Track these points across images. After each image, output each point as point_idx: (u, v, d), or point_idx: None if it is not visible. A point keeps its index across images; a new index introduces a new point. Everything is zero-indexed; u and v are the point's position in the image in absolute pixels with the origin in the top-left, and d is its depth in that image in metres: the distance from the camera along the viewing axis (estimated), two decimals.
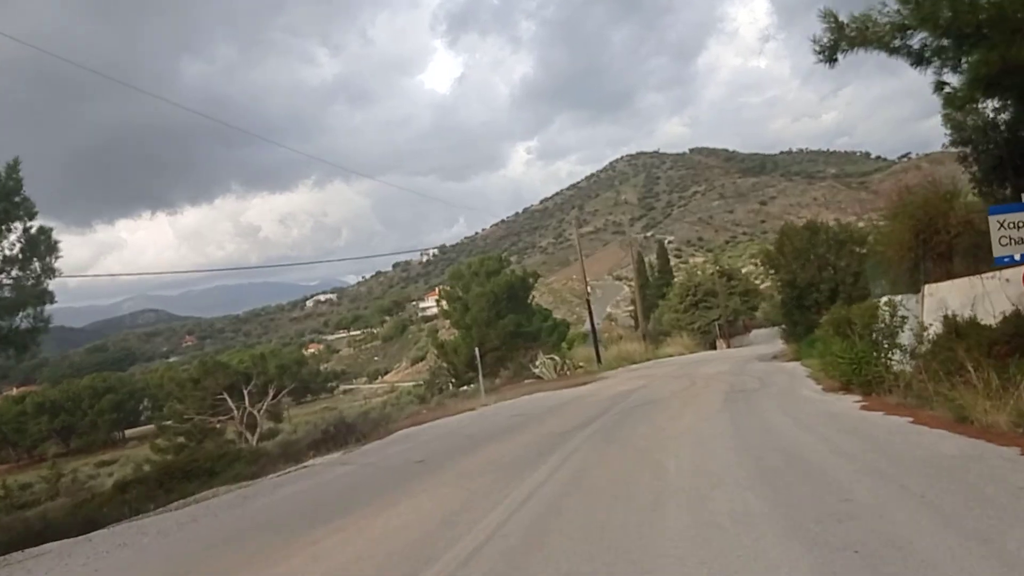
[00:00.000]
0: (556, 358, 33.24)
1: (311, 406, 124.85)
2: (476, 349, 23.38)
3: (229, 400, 61.68)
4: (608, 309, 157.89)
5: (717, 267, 71.26)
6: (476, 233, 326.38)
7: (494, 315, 57.67)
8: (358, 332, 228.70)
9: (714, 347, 62.53)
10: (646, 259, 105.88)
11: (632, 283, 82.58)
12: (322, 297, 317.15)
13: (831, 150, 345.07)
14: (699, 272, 76.58)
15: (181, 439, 63.19)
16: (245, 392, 61.55)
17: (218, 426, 63.17)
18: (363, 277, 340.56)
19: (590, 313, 35.70)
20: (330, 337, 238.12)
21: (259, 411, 61.03)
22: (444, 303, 62.54)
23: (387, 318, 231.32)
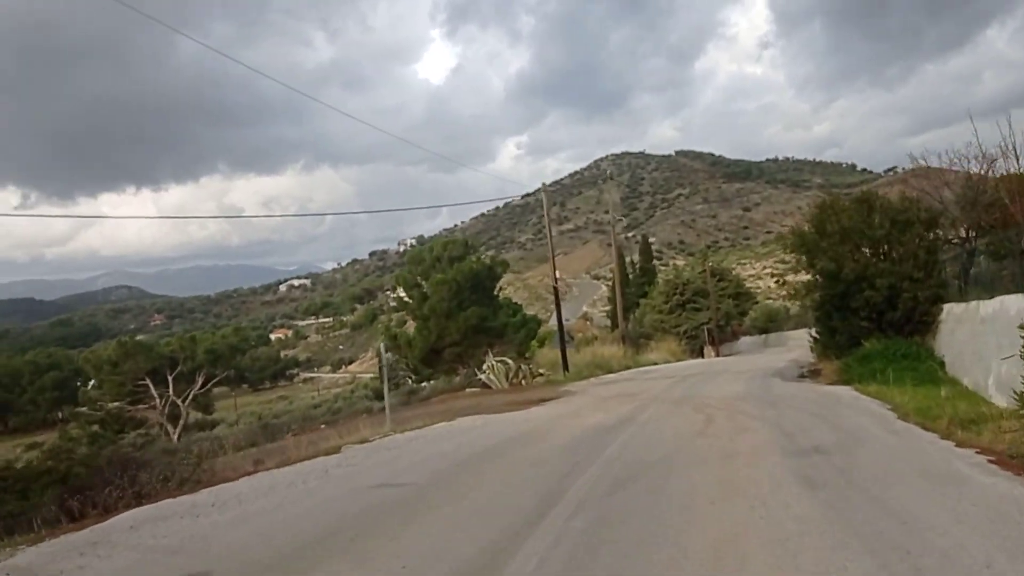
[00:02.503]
0: (509, 362, 26.00)
1: (268, 394, 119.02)
2: (383, 349, 15.82)
3: (152, 387, 54.52)
4: (584, 308, 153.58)
5: (708, 263, 64.19)
6: (455, 225, 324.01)
7: (455, 306, 51.04)
8: (328, 319, 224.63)
9: (702, 354, 55.65)
10: (627, 258, 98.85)
11: (611, 281, 75.58)
12: (296, 282, 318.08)
13: (817, 160, 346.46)
14: (688, 269, 69.52)
15: (96, 427, 56.16)
16: (169, 379, 54.53)
17: (138, 415, 56.23)
18: (339, 264, 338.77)
19: (557, 306, 28.39)
20: (300, 323, 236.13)
21: (184, 401, 54.00)
22: (401, 290, 55.52)
23: (357, 306, 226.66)
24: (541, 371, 26.37)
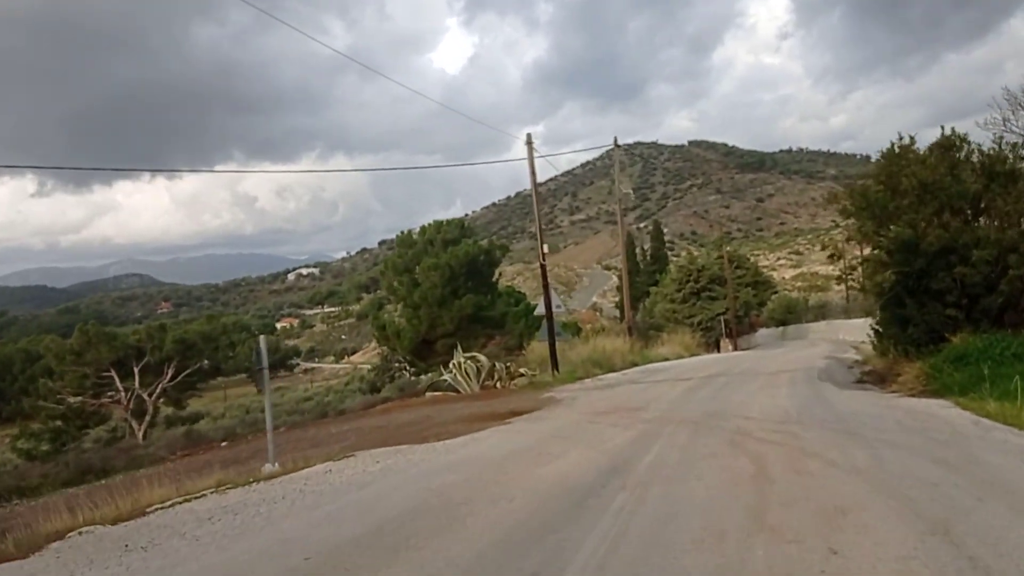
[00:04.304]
0: (482, 359, 20.88)
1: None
2: (262, 344, 10.63)
3: (117, 380, 49.99)
4: (594, 298, 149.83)
5: (726, 249, 58.89)
6: (466, 215, 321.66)
7: (449, 293, 46.44)
8: (334, 309, 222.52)
9: (718, 348, 50.57)
10: (638, 248, 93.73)
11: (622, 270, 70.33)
12: (305, 271, 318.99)
13: (832, 151, 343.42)
14: (704, 254, 64.31)
15: (59, 423, 51.74)
16: (135, 370, 50.02)
17: (102, 410, 51.75)
18: (348, 253, 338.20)
19: (545, 288, 23.18)
20: (307, 312, 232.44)
21: (150, 395, 49.42)
22: (390, 275, 50.70)
23: (364, 295, 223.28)
24: (523, 370, 21.32)
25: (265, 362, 10.44)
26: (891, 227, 14.33)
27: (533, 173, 21.81)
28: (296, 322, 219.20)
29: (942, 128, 15.60)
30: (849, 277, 16.56)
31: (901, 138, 15.31)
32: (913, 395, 12.69)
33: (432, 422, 13.84)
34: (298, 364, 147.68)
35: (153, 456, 20.37)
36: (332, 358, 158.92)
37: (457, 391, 20.22)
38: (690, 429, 10.20)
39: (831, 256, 16.12)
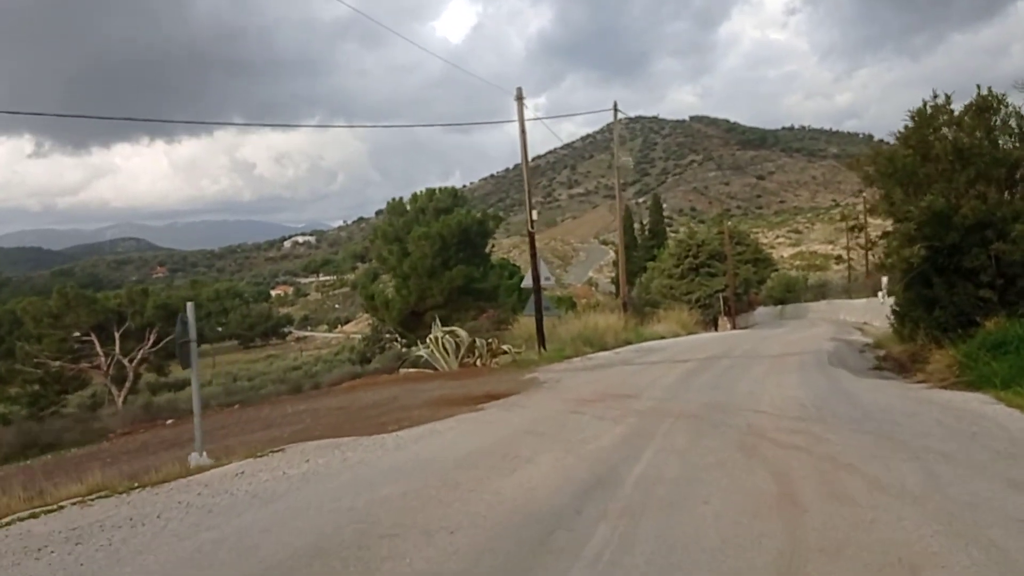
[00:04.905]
0: (462, 334, 19.13)
1: (258, 352, 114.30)
2: (190, 311, 8.68)
3: (97, 344, 48.74)
4: (590, 273, 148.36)
5: (727, 224, 57.14)
6: (464, 186, 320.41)
7: (440, 264, 44.94)
8: (329, 277, 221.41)
9: (715, 326, 48.99)
10: (636, 223, 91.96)
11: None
12: (301, 239, 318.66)
13: (834, 129, 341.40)
14: (704, 229, 62.54)
15: (37, 387, 50.68)
16: (116, 336, 48.78)
17: (81, 375, 50.52)
18: (345, 222, 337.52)
19: (533, 257, 21.29)
20: (303, 280, 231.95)
21: (131, 360, 48.08)
22: (380, 244, 49.01)
23: (359, 264, 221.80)
24: (506, 348, 19.58)
25: (193, 334, 8.73)
26: (923, 196, 12.61)
27: (523, 132, 20.05)
28: (291, 290, 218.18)
29: (978, 87, 13.89)
30: (869, 251, 14.61)
31: (935, 96, 13.57)
32: (944, 387, 11.07)
33: (396, 405, 12.18)
34: (290, 332, 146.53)
35: (105, 430, 18.86)
36: (325, 327, 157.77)
37: (434, 368, 18.58)
38: (690, 426, 8.54)
39: (851, 228, 14.50)
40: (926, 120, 13.53)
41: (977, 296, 12.66)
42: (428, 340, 19.49)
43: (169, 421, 15.32)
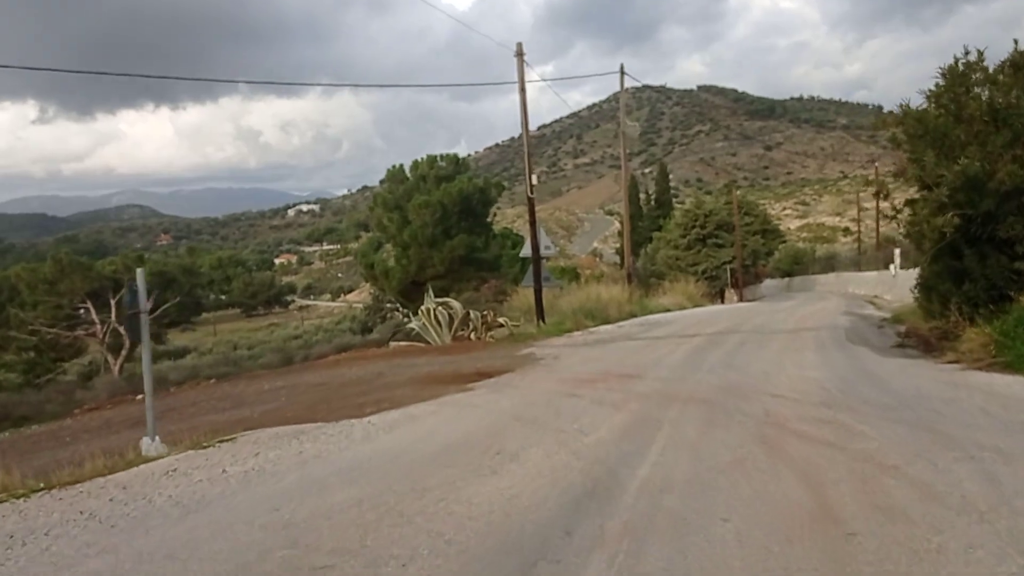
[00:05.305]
0: (455, 305, 18.02)
1: (260, 321, 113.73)
2: (140, 277, 7.65)
3: (93, 311, 48.01)
4: (595, 244, 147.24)
5: (735, 193, 55.90)
6: (469, 155, 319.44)
7: (440, 233, 43.92)
8: (333, 246, 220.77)
9: (722, 298, 47.98)
10: (642, 193, 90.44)
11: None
12: (305, 207, 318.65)
13: (843, 100, 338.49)
14: (712, 199, 61.31)
15: (32, 355, 50.07)
16: (112, 303, 48.05)
17: (77, 342, 49.89)
18: (349, 191, 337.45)
19: (532, 224, 20.00)
20: (306, 249, 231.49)
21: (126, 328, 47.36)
22: (380, 211, 47.87)
23: (362, 233, 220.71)
24: (502, 320, 18.49)
25: (144, 303, 7.68)
26: (957, 161, 11.48)
27: (523, 91, 18.85)
28: (294, 258, 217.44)
29: (1015, 42, 12.70)
30: (894, 219, 13.40)
31: (967, 52, 12.42)
32: (980, 368, 10.05)
33: (379, 383, 11.19)
34: (293, 301, 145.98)
35: (80, 402, 17.96)
36: (328, 296, 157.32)
37: (426, 342, 17.55)
38: (702, 414, 7.52)
39: (876, 193, 13.47)
40: (958, 78, 12.38)
41: (1011, 269, 11.59)
42: (420, 311, 18.48)
43: (139, 396, 14.40)
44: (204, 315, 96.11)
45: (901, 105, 12.80)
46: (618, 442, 6.27)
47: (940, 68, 12.56)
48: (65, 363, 48.84)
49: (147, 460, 6.56)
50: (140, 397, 12.94)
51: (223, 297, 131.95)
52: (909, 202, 13.75)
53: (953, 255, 12.45)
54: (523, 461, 5.73)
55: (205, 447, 6.74)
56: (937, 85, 12.78)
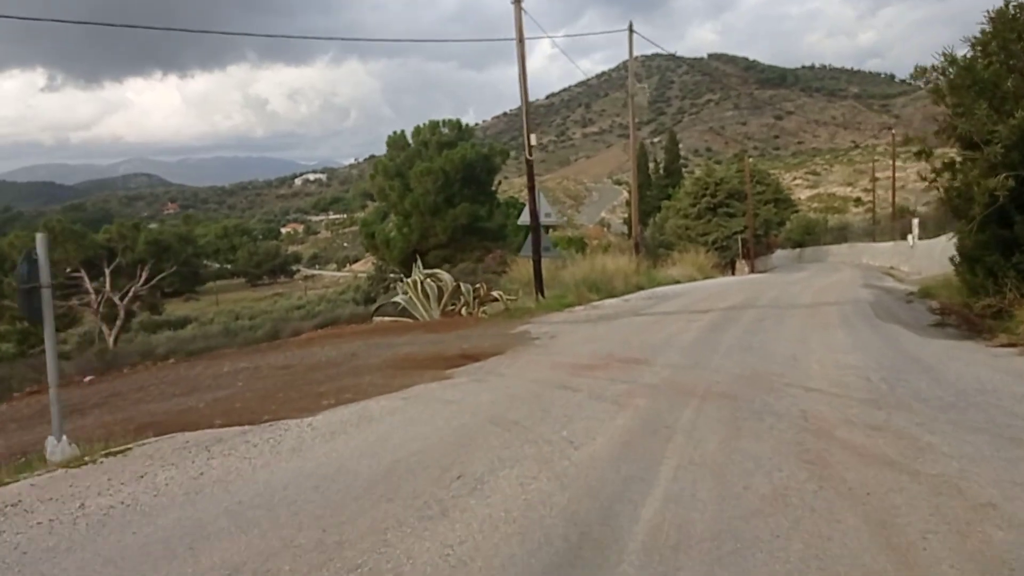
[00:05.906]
0: (445, 278, 16.51)
1: (265, 290, 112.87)
2: (41, 242, 6.47)
3: (87, 281, 47.05)
4: (603, 213, 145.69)
5: (748, 160, 54.19)
6: (475, 124, 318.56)
7: (443, 201, 42.66)
8: (340, 215, 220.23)
9: (732, 270, 46.45)
10: (651, 162, 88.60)
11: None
12: (312, 176, 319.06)
13: (855, 69, 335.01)
14: (723, 167, 59.56)
15: (26, 324, 49.37)
16: (107, 272, 47.12)
17: (71, 312, 49.04)
18: (356, 160, 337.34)
19: (531, 189, 18.42)
20: (313, 218, 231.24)
21: (122, 298, 46.36)
22: (381, 179, 46.40)
23: (368, 203, 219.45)
24: (496, 294, 16.94)
25: (45, 277, 6.28)
26: (1012, 114, 9.93)
27: (521, 42, 17.23)
28: (301, 228, 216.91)
29: None
30: (934, 183, 11.92)
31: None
32: None
33: (349, 366, 9.78)
34: (298, 271, 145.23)
35: (36, 381, 16.66)
36: (334, 266, 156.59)
37: (414, 317, 16.10)
38: (723, 414, 6.09)
39: (919, 153, 12.07)
40: (1008, 23, 10.80)
41: None
42: (407, 283, 17.00)
43: (88, 378, 13.06)
44: (208, 284, 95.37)
45: (943, 53, 11.19)
46: (617, 461, 4.78)
47: (987, 12, 10.96)
48: (60, 333, 47.91)
49: (30, 473, 5.18)
50: (89, 379, 11.65)
51: (228, 267, 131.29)
52: (947, 164, 12.21)
53: (1001, 223, 10.94)
54: (488, 493, 4.26)
55: (80, 464, 5.21)
56: (983, 32, 11.20)
